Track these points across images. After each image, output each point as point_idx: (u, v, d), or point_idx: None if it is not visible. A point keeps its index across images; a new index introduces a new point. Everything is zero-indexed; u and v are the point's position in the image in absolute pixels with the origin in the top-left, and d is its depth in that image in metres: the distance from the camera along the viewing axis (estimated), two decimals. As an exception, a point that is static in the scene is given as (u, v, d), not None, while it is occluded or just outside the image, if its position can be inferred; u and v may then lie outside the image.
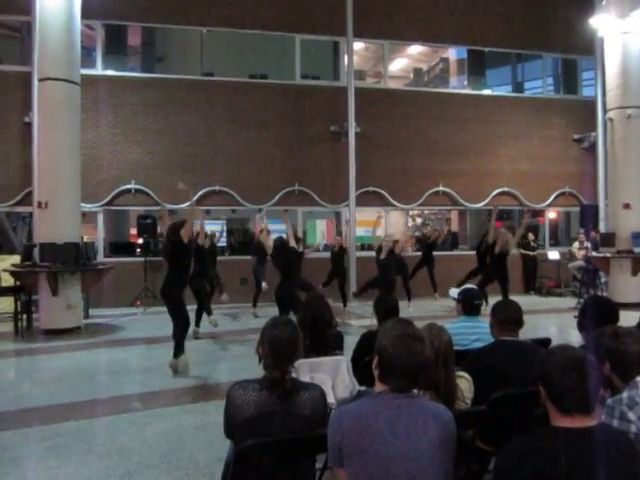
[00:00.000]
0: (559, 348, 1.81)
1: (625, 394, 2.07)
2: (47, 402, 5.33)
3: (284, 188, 13.19)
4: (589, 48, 14.41)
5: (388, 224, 14.20)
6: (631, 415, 1.97)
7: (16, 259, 10.06)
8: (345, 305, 11.30)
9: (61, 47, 9.11)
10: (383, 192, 13.76)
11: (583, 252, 12.37)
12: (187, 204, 8.94)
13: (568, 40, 14.63)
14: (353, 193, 13.30)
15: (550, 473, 1.60)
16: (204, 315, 8.45)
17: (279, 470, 2.26)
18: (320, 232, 14.31)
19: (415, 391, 2.06)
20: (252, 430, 2.22)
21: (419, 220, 18.89)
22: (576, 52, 15.26)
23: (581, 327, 3.18)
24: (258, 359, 2.45)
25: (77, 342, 8.30)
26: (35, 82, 9.75)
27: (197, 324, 8.39)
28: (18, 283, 9.19)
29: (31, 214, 11.33)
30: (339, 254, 11.53)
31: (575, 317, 3.31)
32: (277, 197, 13.13)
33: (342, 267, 11.73)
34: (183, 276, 6.59)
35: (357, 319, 10.08)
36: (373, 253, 10.72)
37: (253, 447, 2.17)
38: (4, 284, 9.39)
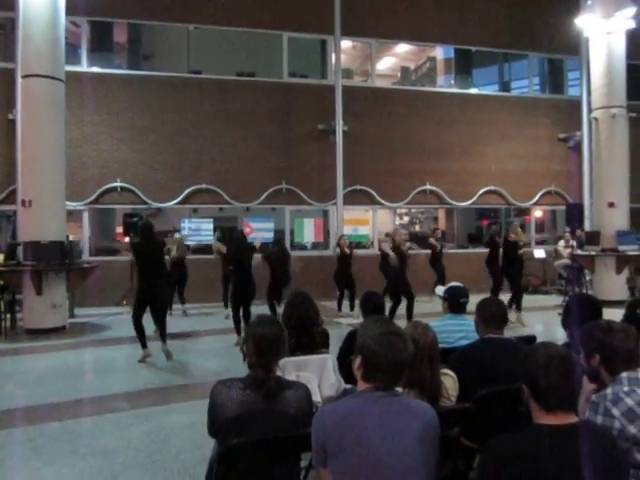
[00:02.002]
0: (541, 345, 1.82)
1: (609, 390, 2.08)
2: (31, 402, 5.27)
3: (271, 186, 13.16)
4: (575, 48, 14.52)
5: (376, 223, 14.23)
6: (615, 411, 1.98)
7: (0, 258, 9.93)
8: (352, 309, 10.36)
9: (45, 43, 9.01)
10: (371, 191, 13.78)
11: (569, 250, 12.46)
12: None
13: (554, 40, 14.75)
14: (341, 192, 13.31)
15: (533, 471, 1.60)
16: None
17: (263, 469, 2.25)
18: (308, 231, 14.25)
19: (400, 389, 2.06)
20: (236, 429, 2.21)
21: (406, 219, 18.94)
22: (562, 52, 15.39)
23: (565, 325, 3.20)
24: (243, 357, 2.44)
25: (62, 342, 8.21)
26: (19, 79, 9.62)
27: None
28: (2, 282, 9.07)
29: (15, 212, 11.18)
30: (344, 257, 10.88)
31: (560, 314, 3.33)
32: (264, 195, 13.10)
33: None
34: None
35: (346, 318, 10.06)
36: (363, 252, 10.73)
37: (237, 446, 2.16)
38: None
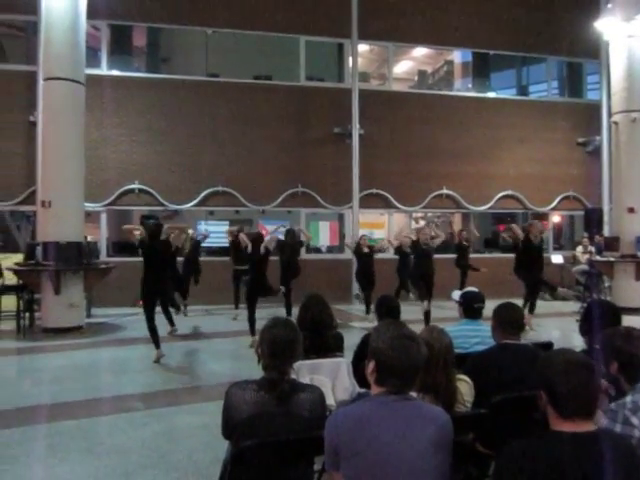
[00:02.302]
0: (560, 352, 1.79)
1: (629, 398, 2.05)
2: (47, 400, 5.33)
3: (287, 189, 13.19)
4: (594, 51, 14.37)
5: (391, 226, 14.19)
6: (634, 420, 1.95)
7: (19, 258, 10.07)
8: (368, 312, 10.27)
9: (66, 47, 9.13)
10: (386, 194, 13.75)
11: (587, 256, 12.30)
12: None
13: (573, 43, 14.59)
14: (357, 195, 13.29)
15: (550, 477, 1.57)
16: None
17: (277, 471, 2.25)
18: (323, 234, 14.25)
19: (414, 394, 2.05)
20: (250, 431, 2.21)
21: (422, 223, 18.83)
22: (581, 55, 15.24)
23: (584, 331, 3.15)
24: (257, 359, 2.44)
25: (79, 341, 8.30)
26: (40, 81, 9.78)
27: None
28: (21, 282, 9.20)
29: (35, 213, 11.35)
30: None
31: (578, 321, 3.29)
32: (280, 198, 13.13)
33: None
34: None
35: (359, 321, 10.04)
36: (375, 255, 10.68)
37: (251, 448, 2.16)
38: (7, 282, 9.39)
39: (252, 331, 7.65)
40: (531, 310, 9.12)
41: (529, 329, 8.75)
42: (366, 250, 10.63)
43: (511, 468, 1.64)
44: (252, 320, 7.71)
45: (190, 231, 11.43)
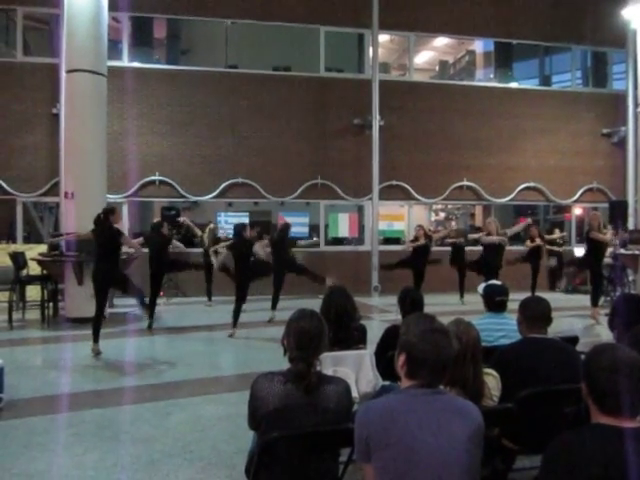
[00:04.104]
0: (611, 347, 1.75)
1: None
2: (73, 389, 5.41)
3: (307, 181, 13.18)
4: (620, 40, 14.02)
5: (411, 218, 14.11)
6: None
7: (43, 248, 10.24)
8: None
9: (88, 39, 9.19)
10: (406, 186, 13.66)
11: (611, 249, 12.09)
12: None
13: (598, 32, 14.28)
14: (376, 187, 13.21)
15: (595, 470, 1.55)
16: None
17: (303, 463, 2.25)
18: (342, 226, 14.20)
19: (442, 387, 2.03)
20: (277, 422, 2.21)
21: (442, 215, 18.71)
22: (607, 44, 14.91)
23: (612, 326, 3.10)
24: (283, 351, 2.44)
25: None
26: (63, 74, 9.86)
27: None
28: (45, 272, 9.35)
29: (58, 204, 11.51)
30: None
31: (606, 315, 3.24)
32: (300, 190, 13.13)
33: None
34: None
35: (380, 313, 10.03)
36: (395, 247, 10.67)
37: (278, 439, 2.16)
38: (31, 273, 9.55)
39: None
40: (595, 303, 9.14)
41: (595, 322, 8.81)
42: (422, 241, 10.60)
43: (561, 460, 1.61)
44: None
45: (211, 225, 11.55)
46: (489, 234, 8.62)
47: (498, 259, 9.79)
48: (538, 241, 11.07)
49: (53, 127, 11.69)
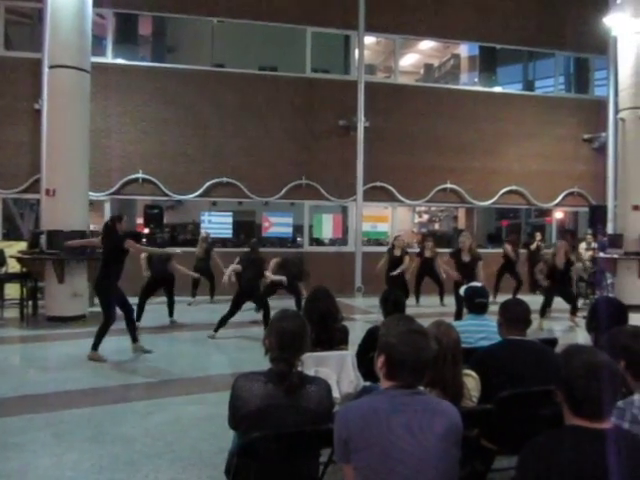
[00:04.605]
0: (581, 351, 1.77)
1: (637, 396, 2.05)
2: (52, 389, 5.35)
3: (291, 181, 13.17)
4: (602, 47, 14.26)
5: (395, 220, 14.17)
6: (642, 418, 1.95)
7: (23, 246, 10.10)
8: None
9: (72, 34, 9.09)
10: (391, 188, 13.72)
11: (590, 253, 12.28)
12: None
13: (581, 39, 14.49)
14: (361, 188, 13.25)
15: (569, 471, 1.58)
16: None
17: (283, 463, 2.26)
18: (327, 226, 14.23)
19: (421, 388, 2.05)
20: (257, 422, 2.21)
21: (425, 217, 18.83)
22: (589, 51, 15.13)
23: (590, 328, 3.14)
24: (264, 351, 2.44)
25: (82, 330, 8.30)
26: (45, 69, 9.75)
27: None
28: (24, 270, 9.22)
29: (39, 201, 11.36)
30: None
31: (584, 317, 3.28)
32: (284, 190, 13.11)
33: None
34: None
35: (363, 314, 10.06)
36: (379, 248, 10.66)
37: (258, 439, 2.16)
38: (11, 270, 9.41)
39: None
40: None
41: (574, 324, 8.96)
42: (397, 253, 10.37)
43: (535, 461, 1.63)
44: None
45: (203, 233, 11.61)
46: (461, 250, 8.62)
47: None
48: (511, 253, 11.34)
49: (35, 123, 11.54)
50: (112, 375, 6.04)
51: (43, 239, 9.07)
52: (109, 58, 12.55)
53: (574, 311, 9.16)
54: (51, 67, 9.24)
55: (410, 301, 10.82)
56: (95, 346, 6.49)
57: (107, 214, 12.48)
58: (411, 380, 1.89)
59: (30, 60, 11.72)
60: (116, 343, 7.72)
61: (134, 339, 6.88)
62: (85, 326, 8.61)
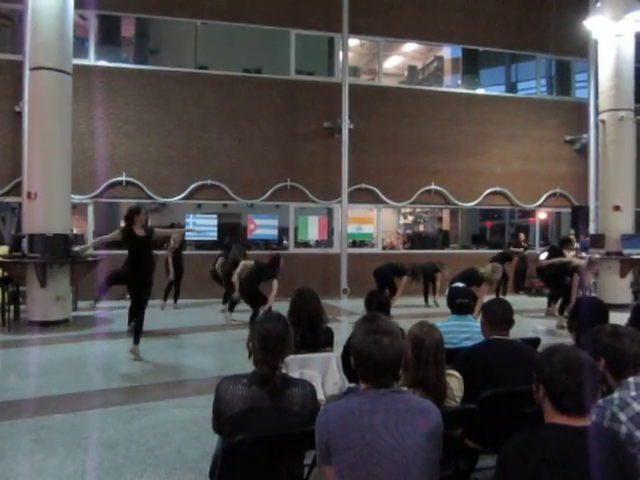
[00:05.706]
0: (561, 348, 1.80)
1: (616, 394, 2.07)
2: (33, 394, 5.28)
3: (276, 183, 13.15)
4: (583, 50, 14.47)
5: (380, 221, 14.22)
6: (622, 416, 1.97)
7: (4, 250, 9.96)
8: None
9: (53, 36, 8.99)
10: (375, 189, 13.75)
11: (573, 253, 12.41)
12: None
13: (562, 42, 14.65)
14: (346, 190, 13.26)
15: (549, 468, 1.59)
16: None
17: (267, 466, 2.25)
18: (312, 228, 14.23)
19: (405, 388, 2.05)
20: (241, 425, 2.21)
21: (410, 218, 18.91)
22: (570, 54, 15.33)
23: (571, 327, 3.18)
24: (248, 354, 2.43)
25: (65, 334, 8.23)
26: (26, 71, 9.63)
27: None
28: (6, 274, 9.09)
29: (20, 204, 11.19)
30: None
31: (565, 317, 3.32)
32: (269, 192, 13.09)
33: None
34: None
35: (348, 315, 10.07)
36: (363, 250, 10.70)
37: (242, 442, 2.16)
38: (-9, 275, 9.28)
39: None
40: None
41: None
42: None
43: (515, 459, 1.65)
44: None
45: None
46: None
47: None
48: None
49: (16, 125, 11.37)
50: (95, 380, 5.99)
51: (25, 243, 8.94)
52: (92, 60, 12.43)
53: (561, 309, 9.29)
54: (32, 69, 9.12)
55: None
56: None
57: (90, 217, 12.38)
58: (380, 380, 1.89)
59: (11, 62, 11.56)
60: (99, 347, 7.67)
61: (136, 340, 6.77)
62: (68, 330, 8.52)
